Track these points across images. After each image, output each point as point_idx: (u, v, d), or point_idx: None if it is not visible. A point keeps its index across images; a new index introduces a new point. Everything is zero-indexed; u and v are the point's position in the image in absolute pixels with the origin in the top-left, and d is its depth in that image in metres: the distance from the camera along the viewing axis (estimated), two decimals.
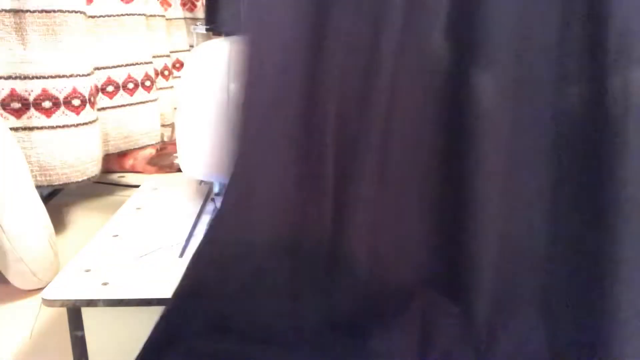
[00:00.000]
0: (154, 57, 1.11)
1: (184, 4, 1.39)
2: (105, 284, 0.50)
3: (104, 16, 0.93)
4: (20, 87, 0.76)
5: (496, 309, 0.39)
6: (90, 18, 0.91)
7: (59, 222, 0.87)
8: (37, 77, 0.76)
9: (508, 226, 0.40)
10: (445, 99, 0.40)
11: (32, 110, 0.77)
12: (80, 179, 0.83)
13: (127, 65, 0.99)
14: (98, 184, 1.03)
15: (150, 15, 1.09)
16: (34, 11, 0.74)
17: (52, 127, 0.79)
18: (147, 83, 1.04)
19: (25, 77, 0.76)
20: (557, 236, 0.40)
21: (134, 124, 1.02)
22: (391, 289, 0.41)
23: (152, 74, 1.05)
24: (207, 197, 0.75)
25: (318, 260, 0.40)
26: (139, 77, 1.02)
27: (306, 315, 0.40)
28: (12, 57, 0.75)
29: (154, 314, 0.44)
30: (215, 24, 0.62)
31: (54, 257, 0.69)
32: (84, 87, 0.81)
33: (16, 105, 0.76)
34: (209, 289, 0.42)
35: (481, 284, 0.39)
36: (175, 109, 1.01)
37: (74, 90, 0.79)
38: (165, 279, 0.49)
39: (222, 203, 0.45)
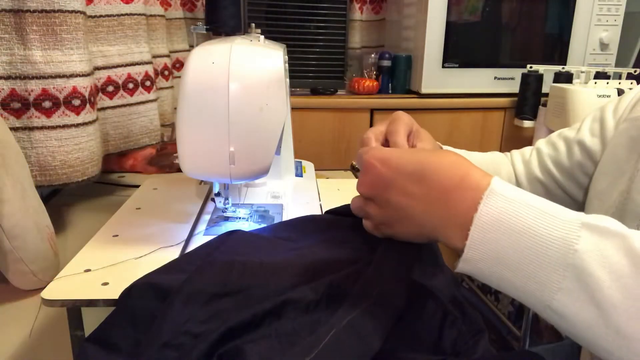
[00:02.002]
0: (154, 57, 1.11)
1: (184, 4, 1.39)
2: (105, 284, 0.50)
3: (104, 16, 0.93)
4: (20, 87, 0.76)
5: None
6: (90, 18, 0.91)
7: (59, 222, 0.87)
8: (37, 77, 0.76)
9: None
10: None
11: (32, 110, 0.77)
12: (80, 179, 0.83)
13: (127, 65, 0.99)
14: (98, 184, 1.03)
15: (150, 15, 1.09)
16: (34, 11, 0.74)
17: (52, 127, 0.79)
18: (147, 83, 1.04)
19: (25, 77, 0.76)
20: None
21: (134, 124, 1.02)
22: None
23: (152, 74, 1.05)
24: (207, 197, 0.75)
25: None
26: (139, 77, 1.02)
27: None
28: (12, 57, 0.75)
29: None
30: (215, 24, 0.62)
31: (54, 257, 0.69)
32: (84, 87, 0.81)
33: (16, 105, 0.76)
34: None
35: None
36: (175, 109, 1.01)
37: (74, 90, 0.79)
38: None
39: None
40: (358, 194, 0.49)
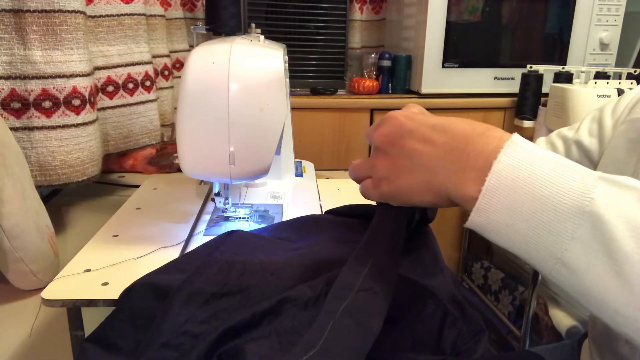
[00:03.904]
0: (154, 57, 1.11)
1: (184, 4, 1.39)
2: (105, 284, 0.50)
3: (104, 16, 0.93)
4: (20, 87, 0.76)
5: None
6: (90, 18, 0.91)
7: (59, 222, 0.87)
8: (37, 77, 0.76)
9: None
10: None
11: (32, 110, 0.77)
12: (80, 179, 0.83)
13: (127, 65, 0.99)
14: (98, 184, 1.03)
15: (151, 15, 1.09)
16: (34, 11, 0.74)
17: (52, 127, 0.79)
18: (147, 83, 1.04)
19: (25, 77, 0.76)
20: None
21: (134, 124, 1.03)
22: None
23: (152, 74, 1.05)
24: (207, 197, 0.75)
25: None
26: (139, 77, 1.02)
27: None
28: (12, 57, 0.75)
29: None
30: (215, 24, 0.62)
31: (54, 257, 0.69)
32: (84, 87, 0.81)
33: (16, 105, 0.76)
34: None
35: None
36: (175, 108, 1.01)
37: (74, 90, 0.80)
38: None
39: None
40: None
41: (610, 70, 1.42)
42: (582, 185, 0.33)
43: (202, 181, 0.82)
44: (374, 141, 0.43)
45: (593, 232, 0.32)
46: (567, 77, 1.41)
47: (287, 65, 0.74)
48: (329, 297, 0.39)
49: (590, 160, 0.63)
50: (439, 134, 0.39)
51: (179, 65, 1.31)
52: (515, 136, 0.37)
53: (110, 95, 0.97)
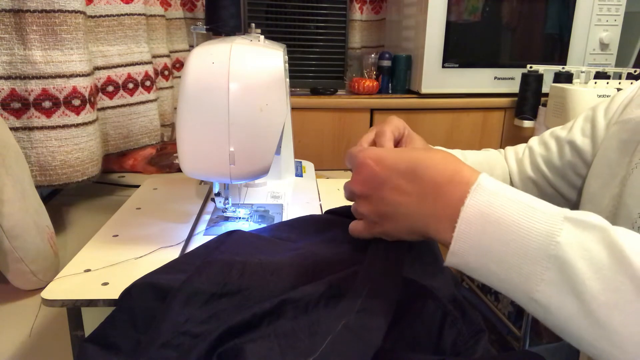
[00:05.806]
0: (154, 57, 1.11)
1: (184, 4, 1.39)
2: (105, 284, 0.50)
3: (104, 16, 0.93)
4: (20, 87, 0.76)
5: None
6: (90, 18, 0.91)
7: (59, 222, 0.87)
8: (37, 77, 0.76)
9: None
10: None
11: (32, 110, 0.77)
12: (80, 179, 0.83)
13: (127, 65, 0.99)
14: (98, 184, 1.03)
15: (151, 15, 1.09)
16: (34, 11, 0.74)
17: (52, 127, 0.79)
18: (147, 83, 1.04)
19: (25, 77, 0.76)
20: None
21: (134, 124, 1.03)
22: None
23: (152, 74, 1.05)
24: (207, 197, 0.75)
25: None
26: (139, 77, 1.02)
27: None
28: (12, 57, 0.75)
29: None
30: (215, 24, 0.62)
31: (54, 257, 0.69)
32: (84, 87, 0.81)
33: (16, 105, 0.76)
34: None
35: None
36: (175, 109, 1.01)
37: (74, 90, 0.80)
38: None
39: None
40: None
41: (610, 70, 1.41)
42: (548, 228, 0.34)
43: (202, 181, 0.82)
44: (354, 190, 0.46)
45: (560, 275, 0.33)
46: (567, 77, 1.41)
47: (287, 65, 0.74)
48: (329, 320, 0.40)
49: (584, 161, 0.63)
50: (410, 183, 0.41)
51: (179, 65, 1.31)
52: (482, 178, 0.38)
53: (110, 95, 0.97)
